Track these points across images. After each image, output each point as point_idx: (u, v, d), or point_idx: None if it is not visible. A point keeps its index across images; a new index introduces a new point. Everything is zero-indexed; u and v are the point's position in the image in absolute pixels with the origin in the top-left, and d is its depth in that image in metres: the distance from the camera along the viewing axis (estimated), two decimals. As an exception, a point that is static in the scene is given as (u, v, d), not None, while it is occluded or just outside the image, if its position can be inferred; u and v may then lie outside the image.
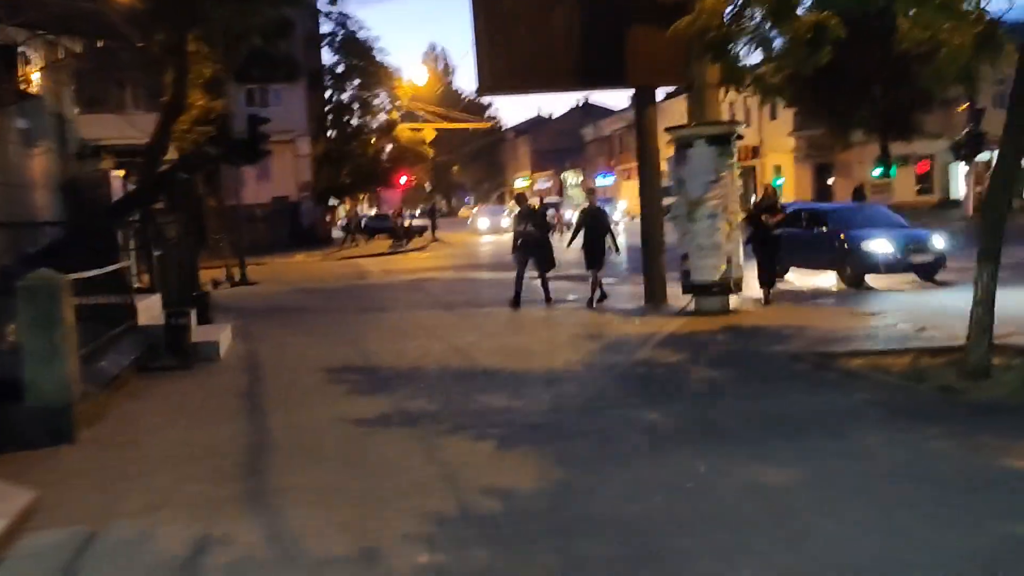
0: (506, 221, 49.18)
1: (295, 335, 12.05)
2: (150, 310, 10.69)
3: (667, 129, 12.87)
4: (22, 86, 11.47)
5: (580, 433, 6.37)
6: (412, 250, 36.86)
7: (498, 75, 13.47)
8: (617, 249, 14.41)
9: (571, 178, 76.07)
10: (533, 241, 14.02)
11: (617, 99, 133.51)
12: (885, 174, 40.06)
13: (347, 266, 28.70)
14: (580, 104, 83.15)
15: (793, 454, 5.64)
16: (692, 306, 12.58)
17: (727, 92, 11.39)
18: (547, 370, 8.79)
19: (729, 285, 12.30)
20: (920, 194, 44.38)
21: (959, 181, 45.50)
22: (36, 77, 11.73)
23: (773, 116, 47.99)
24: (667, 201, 50.13)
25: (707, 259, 12.24)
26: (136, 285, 12.20)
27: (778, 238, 13.27)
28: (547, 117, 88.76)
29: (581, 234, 13.90)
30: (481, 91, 13.24)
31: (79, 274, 8.41)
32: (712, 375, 8.34)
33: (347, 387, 8.32)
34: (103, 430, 7.02)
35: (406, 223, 44.17)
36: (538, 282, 14.18)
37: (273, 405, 7.75)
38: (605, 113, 78.48)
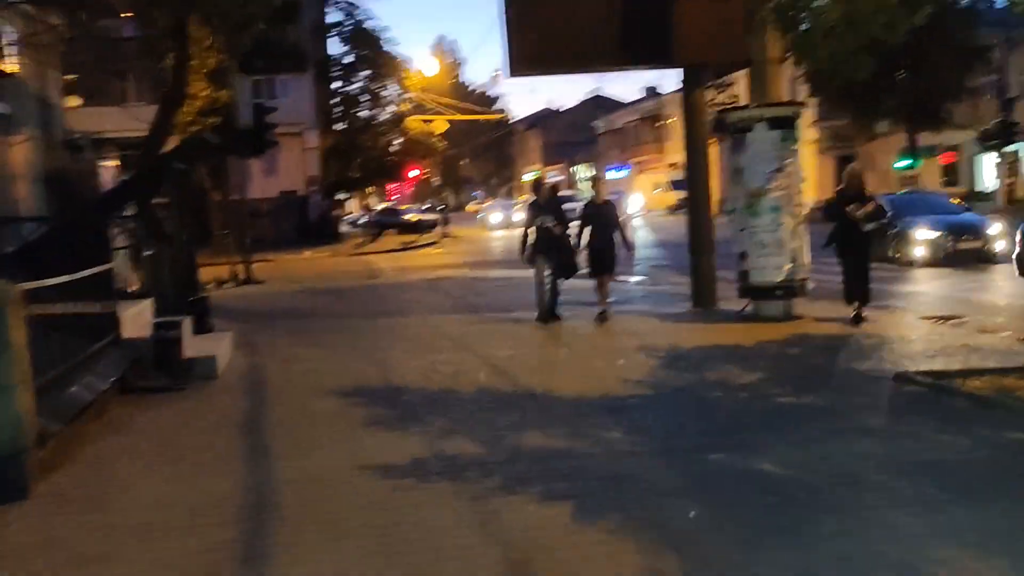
0: (518, 215, 47.71)
1: (304, 346, 10.57)
2: (139, 319, 9.23)
3: (721, 111, 11.37)
4: (-6, 64, 10.00)
5: (677, 491, 4.89)
6: (423, 245, 35.40)
7: (529, 54, 11.96)
8: (630, 247, 11.67)
9: (583, 171, 74.47)
10: (551, 239, 11.15)
11: (629, 91, 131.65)
12: (912, 165, 38.46)
13: (357, 263, 27.24)
14: (591, 96, 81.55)
15: (990, 524, 4.14)
16: (749, 309, 11.11)
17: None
18: (604, 394, 7.30)
19: (794, 287, 10.82)
20: (946, 186, 42.66)
21: (985, 172, 43.86)
22: (13, 54, 10.24)
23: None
24: (678, 195, 48.43)
25: (769, 257, 10.75)
26: (129, 288, 10.78)
27: (868, 236, 10.34)
28: (557, 110, 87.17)
29: (587, 232, 11.32)
30: (511, 72, 11.65)
31: (45, 281, 6.96)
32: (810, 402, 6.83)
33: (367, 417, 6.83)
34: (66, 479, 5.55)
35: (415, 218, 42.76)
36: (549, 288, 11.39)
37: (278, 444, 6.26)
38: (617, 105, 76.92)
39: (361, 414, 6.93)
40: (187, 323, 9.55)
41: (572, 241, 11.38)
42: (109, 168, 14.55)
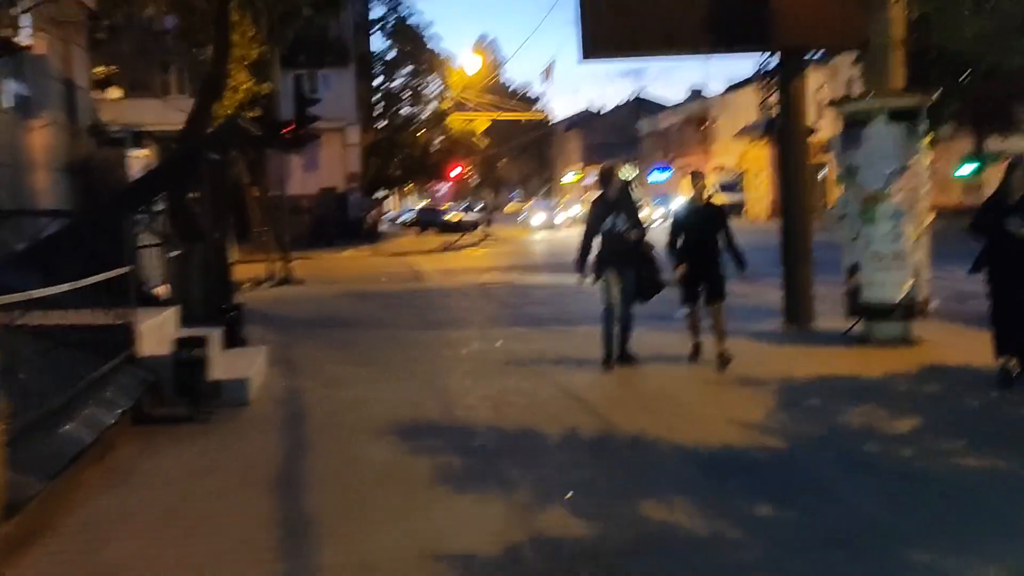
0: (561, 216, 46.20)
1: (349, 364, 9.12)
2: (161, 331, 7.86)
3: (834, 102, 9.74)
4: (9, 35, 8.70)
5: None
6: (465, 246, 33.99)
7: (606, 35, 10.47)
8: (742, 263, 8.52)
9: (625, 172, 72.73)
10: (625, 249, 8.29)
11: (673, 92, 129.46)
12: (977, 171, 36.34)
13: (398, 263, 25.87)
14: (633, 98, 79.76)
15: None
16: (857, 330, 9.51)
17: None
18: (725, 444, 5.76)
19: (915, 308, 9.18)
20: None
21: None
22: (27, 27, 8.93)
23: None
24: (727, 198, 46.01)
25: (887, 272, 9.13)
26: (155, 295, 9.44)
27: None
28: (598, 111, 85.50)
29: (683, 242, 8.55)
30: (585, 54, 10.14)
31: (45, 289, 5.59)
32: (1007, 468, 5.24)
33: (433, 471, 5.35)
34: (40, 564, 4.14)
35: (456, 217, 41.44)
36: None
37: (321, 512, 4.78)
38: (658, 107, 75.06)
39: (425, 466, 5.45)
40: (216, 337, 8.17)
41: (653, 251, 8.60)
42: (140, 159, 13.26)
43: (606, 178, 8.63)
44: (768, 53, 24.22)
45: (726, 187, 48.20)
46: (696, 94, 65.19)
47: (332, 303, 15.20)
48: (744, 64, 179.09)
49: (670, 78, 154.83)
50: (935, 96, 9.32)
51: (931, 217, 9.35)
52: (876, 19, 9.15)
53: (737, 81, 59.10)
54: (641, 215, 8.70)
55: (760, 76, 52.43)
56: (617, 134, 75.72)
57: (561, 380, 7.88)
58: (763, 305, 12.29)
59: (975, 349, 8.76)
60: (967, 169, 38.26)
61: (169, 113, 22.51)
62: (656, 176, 65.61)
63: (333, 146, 39.56)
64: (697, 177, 8.82)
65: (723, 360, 8.25)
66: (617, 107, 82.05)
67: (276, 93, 26.60)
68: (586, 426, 6.38)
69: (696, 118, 60.80)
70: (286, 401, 7.41)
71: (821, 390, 7.30)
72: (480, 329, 11.28)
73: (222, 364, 7.68)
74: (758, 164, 43.41)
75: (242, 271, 18.93)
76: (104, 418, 5.81)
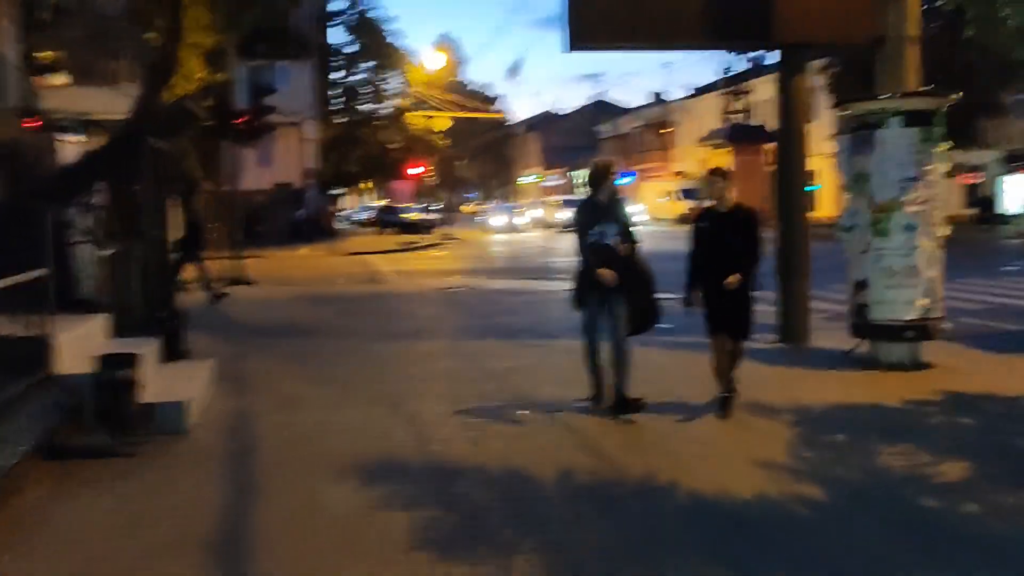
0: (520, 219, 45.29)
1: (307, 381, 8.05)
2: (86, 342, 6.73)
3: (841, 103, 8.92)
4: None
5: None
6: (424, 247, 32.90)
7: (596, 23, 9.50)
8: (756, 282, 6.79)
9: (584, 176, 72.19)
10: (616, 266, 6.56)
11: (633, 97, 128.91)
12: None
13: (356, 264, 24.70)
14: (593, 101, 79.29)
15: None
16: (861, 351, 8.72)
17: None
18: (757, 493, 4.85)
19: (928, 329, 8.40)
20: (969, 207, 40.49)
21: (1006, 195, 41.71)
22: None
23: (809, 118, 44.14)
24: (689, 205, 45.55)
25: (899, 289, 8.33)
26: (85, 299, 8.26)
27: None
28: (558, 113, 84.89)
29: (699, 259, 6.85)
30: (572, 44, 9.17)
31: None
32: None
33: (408, 527, 4.35)
34: None
35: (415, 217, 40.33)
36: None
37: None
38: (619, 111, 74.66)
39: (398, 523, 4.44)
40: (152, 350, 7.06)
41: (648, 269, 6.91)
42: (74, 144, 12.00)
43: (599, 178, 6.88)
44: (763, 51, 23.50)
45: (688, 193, 47.74)
46: (657, 98, 64.87)
47: (287, 307, 14.06)
48: (706, 71, 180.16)
49: (629, 85, 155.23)
50: (954, 98, 8.51)
51: (947, 230, 8.57)
52: (892, 11, 8.36)
53: (699, 87, 58.88)
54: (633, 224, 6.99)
55: (724, 83, 52.23)
56: (577, 137, 75.12)
57: (546, 403, 6.92)
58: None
59: (993, 375, 8.04)
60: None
61: (119, 102, 21.12)
62: (617, 181, 65.07)
63: (289, 140, 38.17)
64: (717, 176, 6.84)
65: (726, 404, 6.64)
66: (578, 110, 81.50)
67: (231, 83, 25.27)
68: (584, 466, 5.43)
69: (657, 123, 60.41)
70: (233, 429, 6.33)
71: (843, 422, 6.44)
72: (450, 341, 10.27)
73: (157, 383, 6.58)
74: (721, 171, 43.00)
75: (189, 271, 17.68)
76: (6, 456, 4.71)
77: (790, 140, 9.82)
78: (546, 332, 10.72)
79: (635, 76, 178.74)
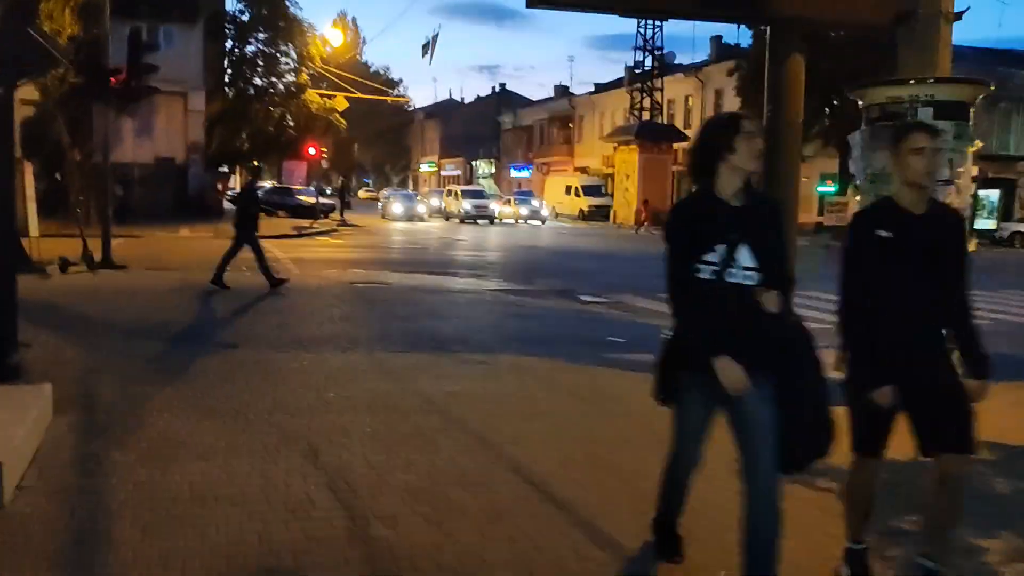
0: (421, 208, 43.26)
1: (187, 410, 6.00)
2: None
3: (857, 87, 7.45)
4: None
5: None
6: (320, 233, 30.52)
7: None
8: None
9: (484, 167, 70.52)
10: (755, 331, 3.18)
11: (538, 89, 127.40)
12: (841, 192, 36.30)
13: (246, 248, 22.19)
14: (496, 89, 77.71)
15: None
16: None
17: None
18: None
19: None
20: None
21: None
22: None
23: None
24: (590, 202, 44.76)
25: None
26: None
27: None
28: (460, 101, 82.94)
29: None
30: (531, 1, 7.33)
31: None
32: None
33: None
34: None
35: (310, 200, 37.73)
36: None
37: None
38: (523, 102, 73.44)
39: None
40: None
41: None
42: None
43: (716, 145, 3.30)
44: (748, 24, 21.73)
45: (590, 190, 46.79)
46: (563, 91, 63.83)
47: (161, 300, 11.76)
48: (612, 67, 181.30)
49: (525, 78, 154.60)
50: (993, 88, 7.19)
51: (973, 244, 7.26)
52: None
53: (601, 83, 58.06)
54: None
55: (630, 79, 51.46)
56: (478, 126, 73.57)
57: (520, 457, 5.16)
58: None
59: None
60: (830, 189, 38.33)
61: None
62: (514, 174, 63.88)
63: (173, 111, 34.96)
64: (929, 149, 3.58)
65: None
66: (480, 98, 79.77)
67: (105, 40, 22.33)
68: (603, 563, 3.72)
69: (561, 116, 59.33)
70: (73, 501, 4.29)
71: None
72: (370, 352, 8.34)
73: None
74: (627, 168, 42.07)
75: (48, 248, 15.05)
76: None
77: (782, 134, 8.33)
78: (480, 343, 8.97)
79: (532, 70, 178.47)
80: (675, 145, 42.28)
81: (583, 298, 14.20)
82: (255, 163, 18.34)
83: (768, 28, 8.27)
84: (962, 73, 7.57)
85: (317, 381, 7.00)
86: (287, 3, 39.04)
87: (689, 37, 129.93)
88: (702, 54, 48.42)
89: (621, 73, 52.03)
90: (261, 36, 39.96)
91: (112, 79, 16.56)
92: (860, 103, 7.42)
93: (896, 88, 7.06)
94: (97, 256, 15.55)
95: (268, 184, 59.71)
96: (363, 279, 15.08)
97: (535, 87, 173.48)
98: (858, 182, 7.45)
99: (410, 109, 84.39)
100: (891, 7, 7.40)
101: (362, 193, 76.98)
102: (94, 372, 6.96)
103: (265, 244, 23.96)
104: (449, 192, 44.59)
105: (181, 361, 7.62)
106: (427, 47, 35.96)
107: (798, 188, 8.67)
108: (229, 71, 40.35)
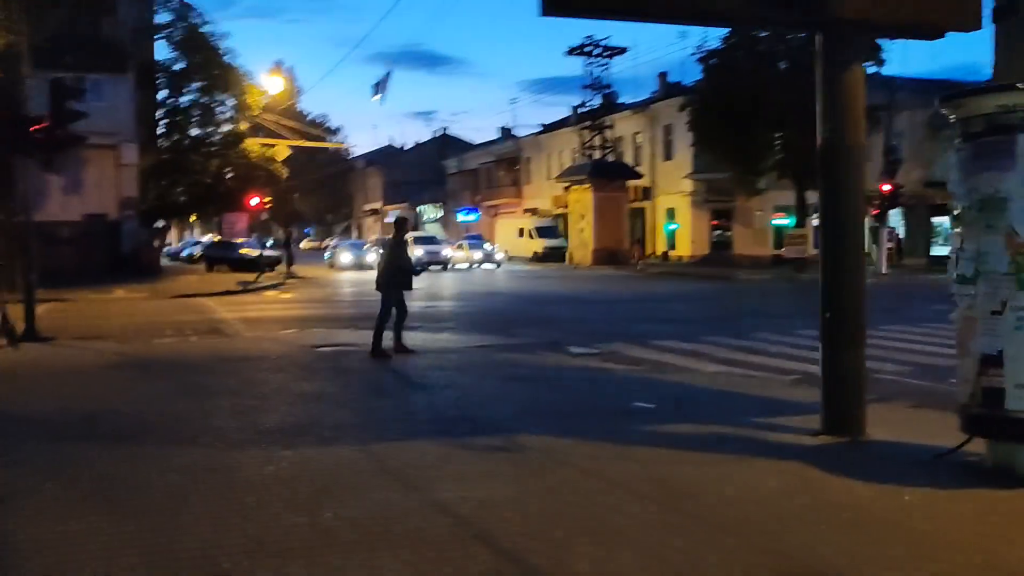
0: (370, 257, 41.42)
1: (129, 556, 4.28)
2: None
3: (948, 99, 6.12)
4: None
5: None
6: (267, 287, 28.56)
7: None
8: None
9: (430, 212, 69.03)
10: None
11: (475, 133, 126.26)
12: (800, 223, 35.70)
13: (188, 309, 20.26)
14: (438, 134, 76.62)
15: None
16: (960, 450, 5.96)
17: None
18: None
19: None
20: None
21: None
22: None
23: (668, 156, 43.10)
24: (544, 244, 43.19)
25: (1055, 368, 5.59)
26: None
27: None
28: (401, 147, 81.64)
29: None
30: (547, 8, 5.86)
31: None
32: None
33: None
34: None
35: (253, 253, 35.68)
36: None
37: None
38: (464, 146, 72.49)
39: None
40: None
41: None
42: None
43: None
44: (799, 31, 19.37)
45: (544, 232, 45.60)
46: (507, 133, 62.96)
47: (93, 382, 9.87)
48: (548, 109, 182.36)
49: (462, 123, 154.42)
50: None
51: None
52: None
53: (547, 123, 57.29)
54: None
55: (579, 117, 50.65)
56: (421, 171, 72.27)
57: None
58: (732, 393, 8.78)
59: None
60: (787, 221, 37.71)
61: None
62: (462, 217, 62.58)
63: (104, 165, 32.77)
64: None
65: None
66: (421, 144, 78.55)
67: (24, 90, 20.40)
68: None
69: (508, 158, 58.30)
70: None
71: None
72: (361, 445, 6.62)
73: None
74: (581, 208, 40.99)
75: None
76: None
77: (843, 158, 6.98)
78: (493, 422, 7.35)
79: (467, 115, 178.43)
80: (628, 183, 41.39)
81: (574, 350, 12.73)
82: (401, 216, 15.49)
83: (822, 35, 6.91)
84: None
85: (305, 495, 5.29)
86: (221, 51, 37.26)
87: (631, 77, 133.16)
88: (644, 94, 47.97)
89: (558, 115, 51.40)
90: (196, 85, 38.01)
91: (33, 127, 14.64)
92: (952, 117, 6.11)
93: (1007, 95, 5.75)
94: (20, 327, 13.54)
95: (207, 238, 57.38)
96: (326, 340, 13.34)
97: (471, 131, 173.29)
98: (957, 210, 6.11)
99: (350, 157, 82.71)
100: (975, 5, 6.14)
101: (305, 243, 74.71)
102: None
103: (208, 302, 22.03)
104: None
105: (113, 473, 5.81)
106: (380, 86, 34.41)
107: (862, 223, 7.30)
108: (164, 122, 38.27)
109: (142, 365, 10.59)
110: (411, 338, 14.04)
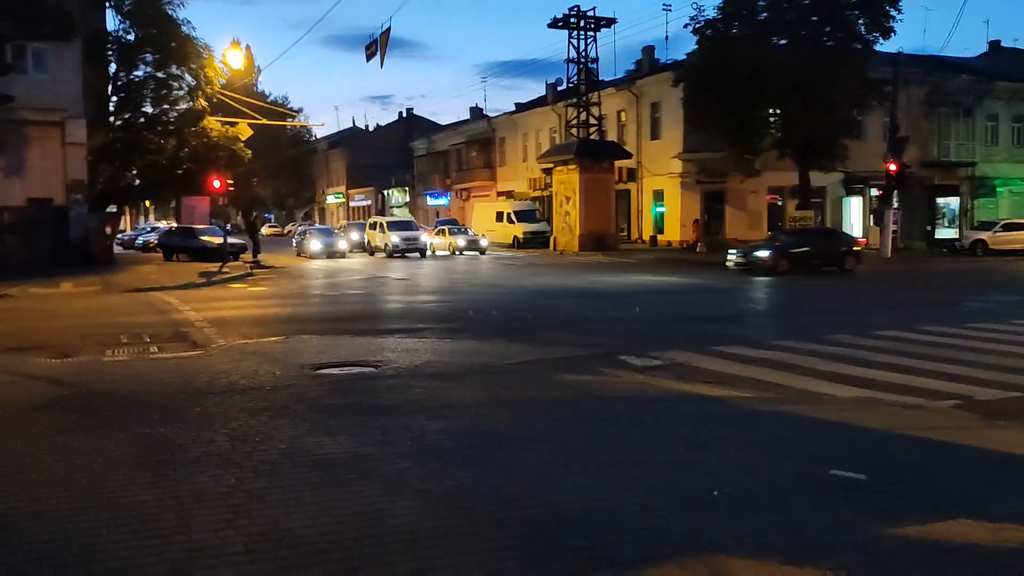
0: (343, 243, 38.50)
1: None
2: None
3: None
4: None
5: None
6: (233, 278, 25.55)
7: None
8: None
9: (397, 195, 65.88)
10: None
11: (434, 117, 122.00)
12: (803, 204, 33.53)
13: (145, 307, 17.30)
14: (403, 115, 73.40)
15: None
16: None
17: None
18: None
19: None
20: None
21: (853, 217, 40.18)
22: None
23: (655, 135, 40.65)
24: (526, 228, 39.58)
25: None
26: None
27: None
28: (365, 128, 78.18)
29: None
30: None
31: None
32: None
33: None
34: None
35: (216, 241, 32.47)
36: None
37: None
38: (432, 126, 69.42)
39: None
40: None
41: None
42: None
43: None
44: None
45: (524, 216, 42.90)
46: (478, 113, 60.05)
47: (20, 424, 7.07)
48: (510, 93, 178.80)
49: (420, 107, 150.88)
50: None
51: None
52: None
53: (521, 102, 54.49)
54: None
55: (557, 95, 47.98)
56: (387, 154, 69.13)
57: None
58: (937, 443, 6.31)
59: None
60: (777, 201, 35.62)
61: None
62: (431, 201, 59.66)
63: (49, 144, 29.34)
64: None
65: None
66: (386, 125, 75.24)
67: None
68: None
69: (480, 139, 55.42)
70: None
71: None
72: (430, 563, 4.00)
73: None
74: (566, 189, 38.37)
75: None
76: None
77: None
78: (656, 534, 4.75)
79: (423, 99, 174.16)
80: (616, 163, 38.90)
81: (634, 362, 10.24)
82: None
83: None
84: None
85: None
86: (179, 21, 33.84)
87: (607, 55, 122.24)
88: (620, 72, 45.32)
89: (522, 98, 48.37)
90: (150, 58, 34.53)
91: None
92: None
93: None
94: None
95: (163, 224, 53.71)
96: (326, 356, 10.54)
97: (429, 115, 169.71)
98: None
99: (312, 139, 79.04)
100: None
101: (266, 229, 71.07)
102: None
103: (168, 298, 19.09)
104: (373, 225, 39.83)
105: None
106: (376, 46, 31.12)
107: None
108: (115, 98, 34.75)
109: (85, 404, 7.74)
110: (427, 347, 11.37)
